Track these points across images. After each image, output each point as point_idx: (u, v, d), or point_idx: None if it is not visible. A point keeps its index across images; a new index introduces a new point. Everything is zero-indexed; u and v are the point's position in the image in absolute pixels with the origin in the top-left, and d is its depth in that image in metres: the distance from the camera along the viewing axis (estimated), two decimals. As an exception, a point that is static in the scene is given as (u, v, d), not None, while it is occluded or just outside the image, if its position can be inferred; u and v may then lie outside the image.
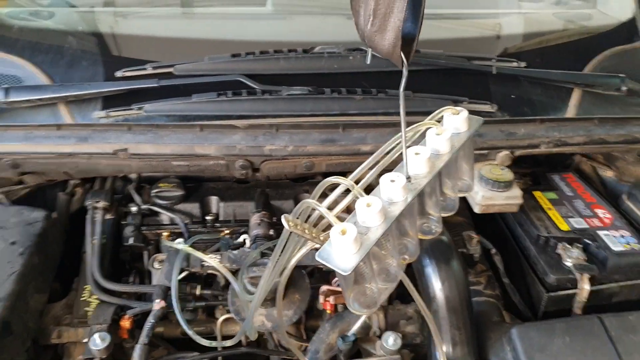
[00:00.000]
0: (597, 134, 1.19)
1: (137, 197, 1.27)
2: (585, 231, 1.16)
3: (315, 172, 1.20)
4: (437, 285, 0.99)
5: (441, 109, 0.78)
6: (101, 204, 1.22)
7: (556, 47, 1.45)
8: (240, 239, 1.18)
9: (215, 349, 1.05)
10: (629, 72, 1.35)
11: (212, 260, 1.09)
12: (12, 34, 1.41)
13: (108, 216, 1.23)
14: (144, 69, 1.25)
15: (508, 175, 1.12)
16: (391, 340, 1.00)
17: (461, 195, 0.88)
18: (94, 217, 1.20)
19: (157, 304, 1.05)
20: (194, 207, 1.28)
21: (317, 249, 0.68)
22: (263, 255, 1.11)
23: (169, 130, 1.13)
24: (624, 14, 1.57)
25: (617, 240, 1.13)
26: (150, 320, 1.03)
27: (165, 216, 1.27)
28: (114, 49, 1.39)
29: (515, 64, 1.32)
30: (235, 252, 1.13)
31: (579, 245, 1.12)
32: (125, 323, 1.06)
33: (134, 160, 1.13)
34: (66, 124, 1.15)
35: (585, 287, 1.06)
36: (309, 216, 0.70)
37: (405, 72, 0.70)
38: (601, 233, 1.15)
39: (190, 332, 1.03)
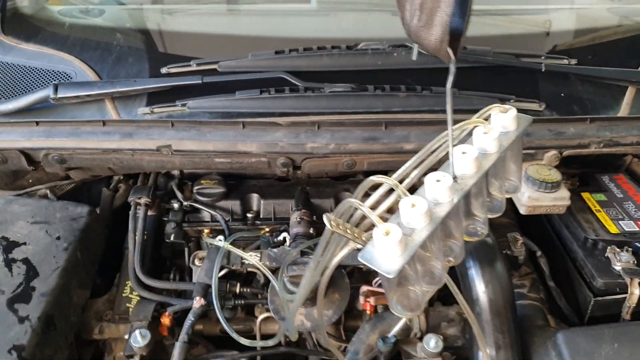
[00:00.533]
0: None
1: (179, 194, 1.29)
2: (635, 234, 1.11)
3: (356, 171, 1.19)
4: (480, 288, 0.96)
5: (489, 107, 0.76)
6: (143, 200, 1.24)
7: (609, 43, 1.38)
8: (280, 237, 1.18)
9: (254, 348, 1.06)
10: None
11: (252, 258, 1.10)
12: (63, 31, 1.45)
13: (150, 212, 1.25)
14: (189, 65, 1.27)
15: (556, 175, 1.08)
16: (433, 343, 0.98)
17: (508, 196, 0.85)
18: (136, 213, 1.23)
19: (197, 302, 1.06)
20: (234, 205, 1.30)
21: (358, 250, 0.67)
22: (303, 254, 1.11)
23: (212, 127, 1.14)
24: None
25: (668, 243, 1.08)
26: (190, 318, 1.04)
27: (206, 213, 1.29)
28: (160, 46, 1.41)
29: (565, 61, 1.27)
30: (275, 250, 1.13)
31: (629, 248, 1.08)
32: (166, 320, 1.08)
33: (176, 156, 1.15)
34: (111, 120, 1.17)
35: (635, 292, 1.01)
36: (351, 216, 0.69)
37: (452, 69, 0.68)
38: (652, 235, 1.10)
39: (229, 331, 1.03)
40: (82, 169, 1.26)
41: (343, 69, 1.24)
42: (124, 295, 1.15)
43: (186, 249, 1.24)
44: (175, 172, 1.36)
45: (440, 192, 0.66)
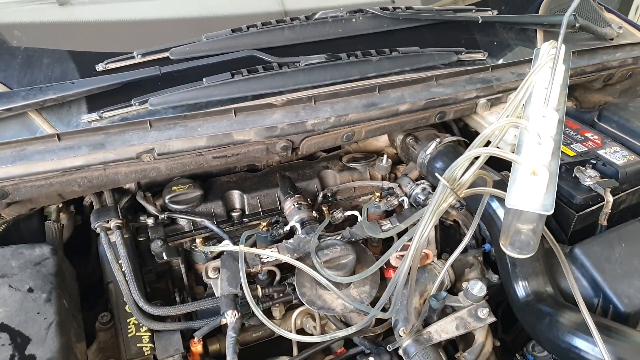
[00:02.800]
0: (580, 66, 1.31)
1: (150, 208, 1.11)
2: (587, 153, 1.29)
3: (354, 141, 1.15)
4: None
5: (547, 42, 0.79)
6: (113, 222, 1.04)
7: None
8: (287, 228, 1.10)
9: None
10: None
11: (277, 254, 1.00)
12: None
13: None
14: (132, 57, 1.07)
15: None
16: (477, 288, 1.02)
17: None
18: (109, 239, 1.02)
19: (231, 316, 0.93)
20: (216, 206, 1.16)
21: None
22: (320, 238, 1.05)
23: (200, 120, 0.99)
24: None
25: (615, 155, 1.27)
26: (232, 335, 0.92)
27: (185, 222, 1.13)
28: (79, 41, 1.16)
29: (489, 13, 1.38)
30: (290, 241, 1.05)
31: (589, 165, 1.24)
32: (197, 347, 0.93)
33: (161, 161, 0.98)
34: (69, 132, 0.94)
35: (609, 199, 1.17)
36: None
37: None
38: (600, 152, 1.29)
39: (279, 330, 0.94)
40: (24, 202, 1.00)
41: (306, 41, 1.17)
42: (129, 335, 0.96)
43: (183, 264, 1.07)
44: (131, 186, 1.16)
45: (550, 125, 0.68)
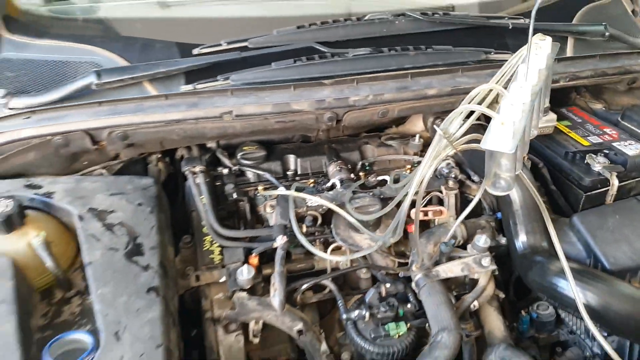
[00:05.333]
0: (601, 68, 1.49)
1: (226, 161, 1.42)
2: (602, 144, 1.45)
3: (388, 118, 1.40)
4: (516, 192, 1.23)
5: (535, 35, 1.01)
6: (198, 168, 1.36)
7: (547, 6, 1.74)
8: (329, 184, 1.37)
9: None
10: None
11: (319, 199, 1.27)
12: (77, 26, 1.51)
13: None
14: (219, 45, 1.40)
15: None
16: (482, 241, 1.23)
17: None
18: (195, 180, 1.34)
19: (281, 239, 1.21)
20: (275, 165, 1.45)
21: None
22: (354, 193, 1.31)
23: (267, 92, 1.29)
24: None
25: (628, 147, 1.43)
26: (281, 252, 1.19)
27: (250, 175, 1.43)
28: (181, 32, 1.51)
29: (522, 20, 1.59)
30: (330, 193, 1.32)
31: (601, 154, 1.41)
32: (254, 261, 1.22)
33: (237, 121, 1.29)
34: (173, 93, 1.28)
35: (615, 182, 1.34)
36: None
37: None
38: (615, 144, 1.45)
39: (315, 250, 1.19)
40: (138, 145, 1.34)
41: (356, 38, 1.44)
42: (204, 249, 1.26)
43: (247, 205, 1.36)
44: (212, 144, 1.48)
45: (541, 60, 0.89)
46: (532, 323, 1.34)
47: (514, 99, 0.88)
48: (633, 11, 1.83)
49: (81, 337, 0.98)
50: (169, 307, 1.03)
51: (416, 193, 1.04)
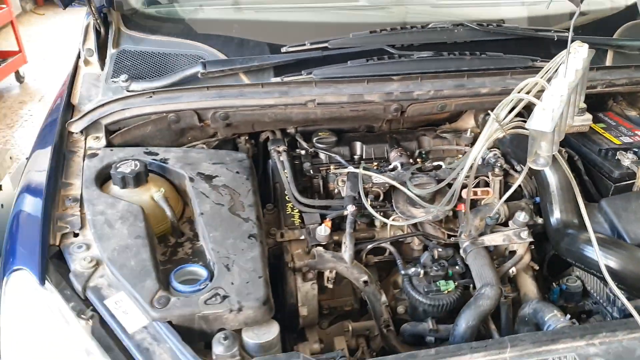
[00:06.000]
0: (636, 77, 1.68)
1: (304, 143, 1.68)
2: (632, 144, 1.65)
3: (446, 112, 1.64)
4: (549, 172, 1.45)
5: (571, 44, 1.23)
6: (282, 147, 1.62)
7: (592, 23, 1.94)
8: (392, 166, 1.61)
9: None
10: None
11: (382, 177, 1.51)
12: (183, 25, 1.81)
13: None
14: (304, 44, 1.67)
15: (583, 104, 1.58)
16: (522, 216, 1.45)
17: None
18: (279, 157, 1.60)
19: (351, 207, 1.46)
20: (344, 150, 1.70)
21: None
22: (413, 174, 1.54)
23: (345, 85, 1.55)
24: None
25: (656, 148, 1.62)
26: (351, 218, 1.43)
27: (324, 156, 1.68)
28: (268, 33, 1.79)
29: (566, 34, 1.79)
30: (392, 173, 1.56)
31: (631, 151, 1.60)
32: (328, 224, 1.46)
33: (318, 108, 1.54)
34: (269, 82, 1.55)
35: (633, 169, 1.53)
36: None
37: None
38: (644, 143, 1.64)
39: (376, 214, 1.44)
40: (234, 125, 1.61)
41: (420, 43, 1.69)
42: (287, 213, 1.52)
43: (320, 181, 1.62)
44: (291, 130, 1.74)
45: (578, 62, 1.12)
46: (561, 294, 1.54)
47: (554, 90, 1.11)
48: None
49: (197, 269, 1.24)
50: (264, 250, 1.28)
51: (469, 171, 1.27)
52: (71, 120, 1.55)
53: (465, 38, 1.70)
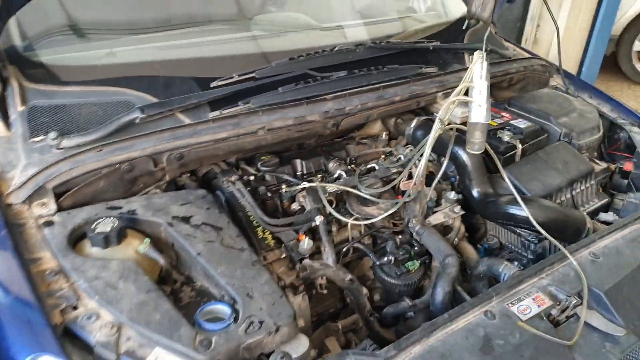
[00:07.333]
0: (492, 71, 2.13)
1: (251, 169, 1.76)
2: (504, 124, 2.09)
3: (371, 120, 1.88)
4: (465, 156, 1.79)
5: (476, 52, 1.56)
6: (234, 177, 1.69)
7: (442, 31, 2.38)
8: (336, 175, 1.80)
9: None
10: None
11: (335, 186, 1.69)
12: (100, 71, 1.74)
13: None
14: (232, 77, 1.75)
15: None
16: (452, 195, 1.77)
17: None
18: (235, 187, 1.66)
19: (320, 217, 1.61)
20: (287, 169, 1.83)
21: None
22: (360, 178, 1.76)
23: (288, 109, 1.69)
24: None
25: (520, 123, 2.08)
26: (323, 225, 1.58)
27: (269, 178, 1.79)
28: (188, 70, 1.82)
29: (436, 43, 2.19)
30: (340, 180, 1.75)
31: (506, 129, 2.04)
32: (302, 237, 1.59)
33: (269, 134, 1.65)
34: (219, 117, 1.61)
35: (519, 146, 1.97)
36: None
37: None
38: (512, 122, 2.09)
39: (337, 215, 1.61)
40: (185, 164, 1.62)
41: (333, 64, 1.91)
42: (260, 237, 1.59)
43: (278, 200, 1.73)
44: (232, 160, 1.81)
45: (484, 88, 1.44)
46: (485, 252, 1.91)
47: (480, 89, 1.42)
48: (496, 32, 2.56)
49: (217, 306, 1.27)
50: (270, 273, 1.37)
51: (416, 165, 1.53)
52: (9, 191, 1.41)
53: (366, 55, 1.97)
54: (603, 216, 1.89)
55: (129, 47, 1.82)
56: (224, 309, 1.27)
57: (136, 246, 1.37)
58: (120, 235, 1.34)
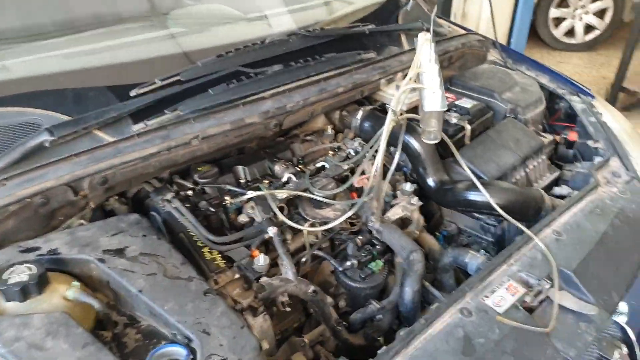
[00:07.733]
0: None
1: (187, 183, 1.58)
2: (449, 104, 2.02)
3: (315, 115, 1.74)
4: (417, 145, 1.70)
5: (421, 34, 1.46)
6: (169, 195, 1.50)
7: (374, 12, 2.26)
8: (284, 179, 1.65)
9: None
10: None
11: (285, 192, 1.55)
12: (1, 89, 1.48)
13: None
14: (154, 83, 1.55)
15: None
16: (408, 186, 1.68)
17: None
18: (172, 206, 1.48)
19: (273, 229, 1.46)
20: (228, 177, 1.66)
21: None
22: (310, 180, 1.62)
23: (223, 113, 1.51)
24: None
25: (465, 102, 2.02)
26: (277, 237, 1.44)
27: (210, 191, 1.62)
28: (96, 81, 1.59)
29: (371, 26, 2.07)
30: (290, 184, 1.61)
31: (453, 110, 1.97)
32: (256, 252, 1.44)
33: (204, 143, 1.47)
34: (145, 130, 1.41)
35: (467, 127, 1.91)
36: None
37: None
38: (457, 103, 2.03)
39: (290, 222, 1.49)
40: (111, 187, 1.41)
41: (266, 57, 1.74)
42: (207, 259, 1.42)
43: (223, 214, 1.56)
44: (165, 175, 1.61)
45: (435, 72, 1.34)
46: (444, 239, 1.84)
47: (432, 75, 1.32)
48: (428, 10, 2.49)
49: (171, 348, 1.10)
50: (225, 301, 1.21)
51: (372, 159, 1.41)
52: None
53: (301, 45, 1.82)
54: (557, 190, 1.87)
55: (26, 57, 1.57)
56: (179, 350, 1.10)
57: (63, 292, 1.16)
58: (41, 283, 1.13)
